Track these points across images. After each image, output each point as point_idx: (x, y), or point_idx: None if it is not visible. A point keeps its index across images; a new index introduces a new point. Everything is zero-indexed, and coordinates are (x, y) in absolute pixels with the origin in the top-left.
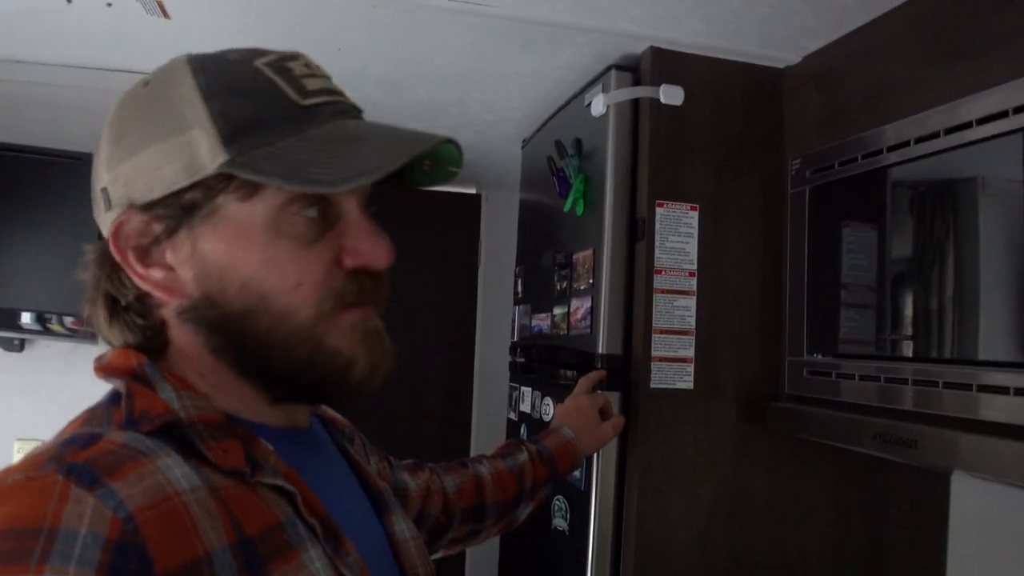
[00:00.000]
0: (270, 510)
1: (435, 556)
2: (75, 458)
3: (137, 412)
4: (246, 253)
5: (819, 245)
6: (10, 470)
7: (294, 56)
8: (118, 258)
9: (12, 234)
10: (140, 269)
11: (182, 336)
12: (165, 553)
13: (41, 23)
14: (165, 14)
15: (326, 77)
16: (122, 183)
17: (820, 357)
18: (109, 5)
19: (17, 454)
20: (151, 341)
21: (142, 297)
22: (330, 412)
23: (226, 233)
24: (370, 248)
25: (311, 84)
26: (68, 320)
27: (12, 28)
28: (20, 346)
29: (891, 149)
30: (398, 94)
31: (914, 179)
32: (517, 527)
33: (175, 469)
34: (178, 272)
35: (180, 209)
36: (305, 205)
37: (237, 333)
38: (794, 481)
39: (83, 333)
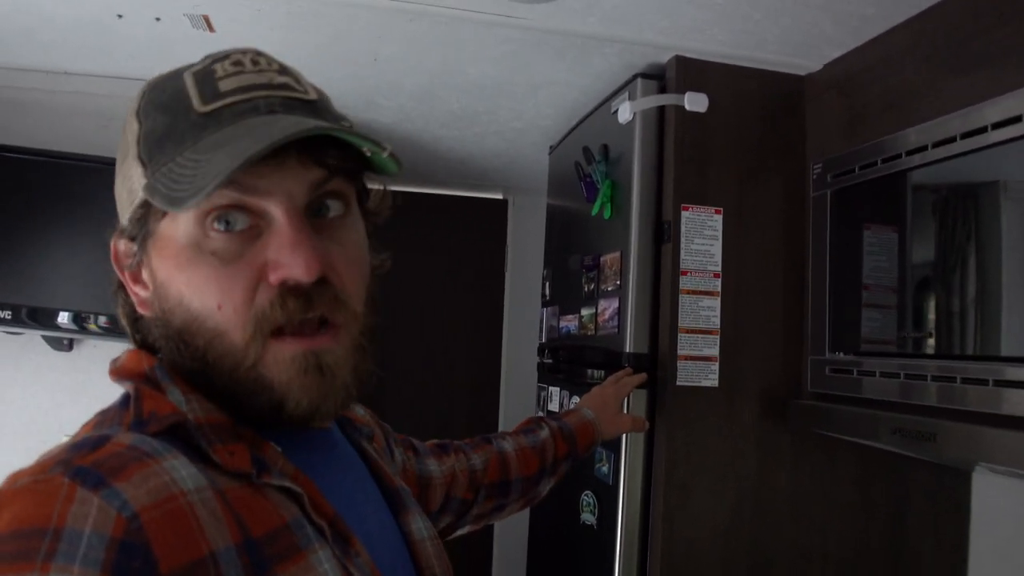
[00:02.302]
0: (277, 512)
1: (461, 532)
2: (82, 461)
3: (145, 414)
4: (175, 272)
5: (840, 247)
6: (19, 474)
7: (227, 55)
8: (120, 276)
9: (53, 237)
10: (132, 286)
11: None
12: (170, 552)
13: (93, 37)
14: (211, 28)
15: (262, 71)
16: (117, 207)
17: (842, 355)
18: (158, 20)
19: None
20: (144, 346)
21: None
22: (349, 411)
23: (162, 252)
24: (288, 259)
25: (226, 84)
26: (102, 320)
27: (66, 42)
28: (69, 346)
29: (910, 153)
30: (430, 104)
31: (934, 182)
32: (539, 502)
33: (181, 470)
34: (148, 289)
35: (135, 232)
36: (220, 219)
37: (178, 351)
38: (816, 478)
39: (120, 332)
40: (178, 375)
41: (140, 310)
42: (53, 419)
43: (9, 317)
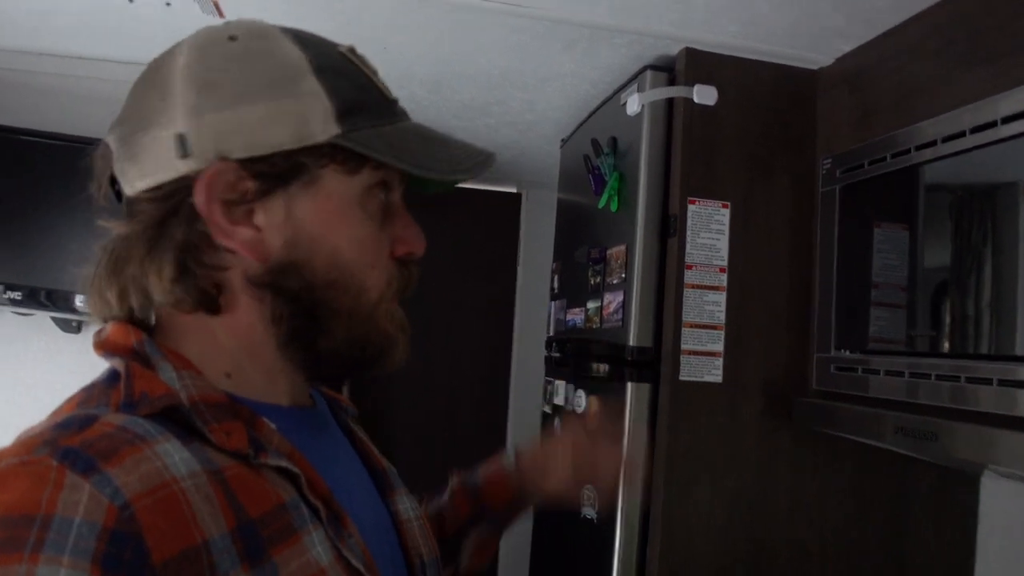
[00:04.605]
0: (274, 492)
1: None
2: (69, 442)
3: (137, 394)
4: (339, 226)
5: (849, 244)
6: (1, 454)
7: (356, 52)
8: (203, 209)
9: (68, 220)
10: (226, 224)
11: (240, 300)
12: (162, 541)
13: (104, 22)
14: (220, 13)
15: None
16: (212, 133)
17: (848, 353)
18: (168, 4)
19: None
20: (206, 303)
21: (210, 255)
22: (332, 391)
23: (324, 203)
24: (415, 237)
25: (380, 81)
26: None
27: (78, 27)
28: (78, 328)
29: (919, 148)
30: (441, 93)
31: (951, 182)
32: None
33: (174, 455)
34: (265, 234)
35: (281, 171)
36: (382, 190)
37: (313, 303)
38: (816, 475)
39: None
40: (170, 350)
41: (244, 254)
42: (61, 399)
43: (19, 298)
